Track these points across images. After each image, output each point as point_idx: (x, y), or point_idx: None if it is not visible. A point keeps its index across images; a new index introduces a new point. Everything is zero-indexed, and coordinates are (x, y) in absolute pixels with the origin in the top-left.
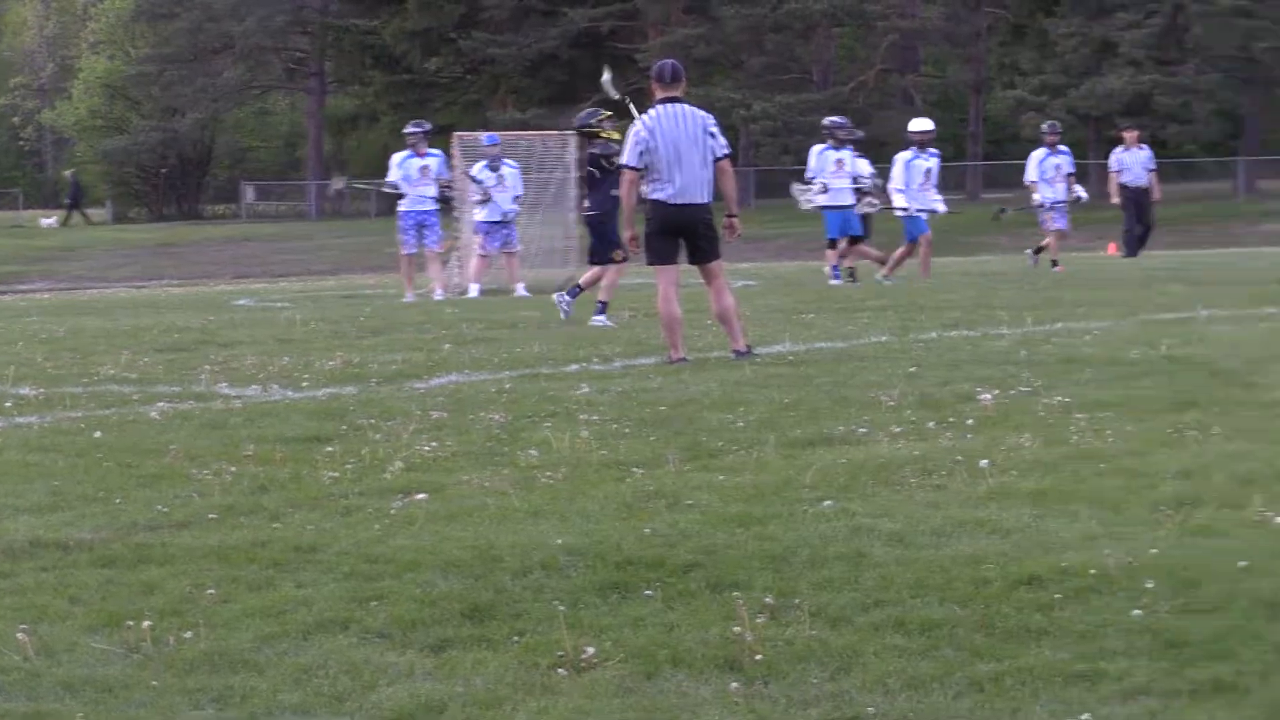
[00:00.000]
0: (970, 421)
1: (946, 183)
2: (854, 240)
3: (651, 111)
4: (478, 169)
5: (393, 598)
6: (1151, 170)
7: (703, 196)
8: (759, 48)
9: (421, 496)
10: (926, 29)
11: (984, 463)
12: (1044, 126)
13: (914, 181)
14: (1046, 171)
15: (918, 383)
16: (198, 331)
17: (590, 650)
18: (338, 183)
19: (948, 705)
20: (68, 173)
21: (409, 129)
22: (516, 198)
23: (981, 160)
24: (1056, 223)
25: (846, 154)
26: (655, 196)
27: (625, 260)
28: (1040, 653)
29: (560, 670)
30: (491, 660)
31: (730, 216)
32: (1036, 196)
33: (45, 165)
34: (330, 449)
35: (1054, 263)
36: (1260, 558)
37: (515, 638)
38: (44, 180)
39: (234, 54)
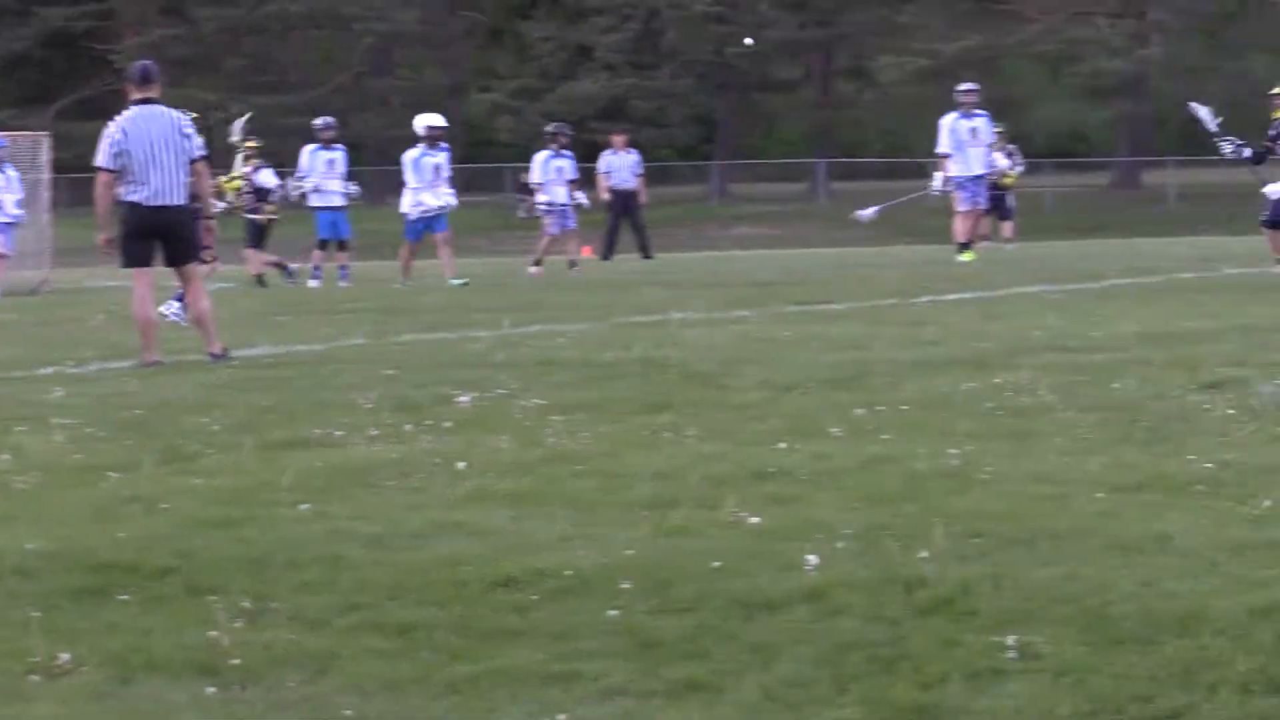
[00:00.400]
0: (448, 424)
1: None
2: (342, 245)
3: (126, 113)
4: None
5: None
6: (639, 174)
7: (178, 198)
8: (237, 49)
9: None
10: (403, 32)
11: (461, 465)
12: (548, 128)
13: (425, 177)
14: (549, 173)
15: (395, 385)
16: None
17: (65, 656)
18: None
19: (425, 707)
20: None
21: None
22: (19, 200)
23: (461, 163)
24: (559, 225)
25: (338, 154)
26: (131, 199)
27: (216, 260)
28: (517, 654)
29: (34, 677)
30: None
31: (207, 218)
32: (543, 198)
33: None
34: None
35: (572, 264)
36: (733, 558)
37: None
38: None
39: None
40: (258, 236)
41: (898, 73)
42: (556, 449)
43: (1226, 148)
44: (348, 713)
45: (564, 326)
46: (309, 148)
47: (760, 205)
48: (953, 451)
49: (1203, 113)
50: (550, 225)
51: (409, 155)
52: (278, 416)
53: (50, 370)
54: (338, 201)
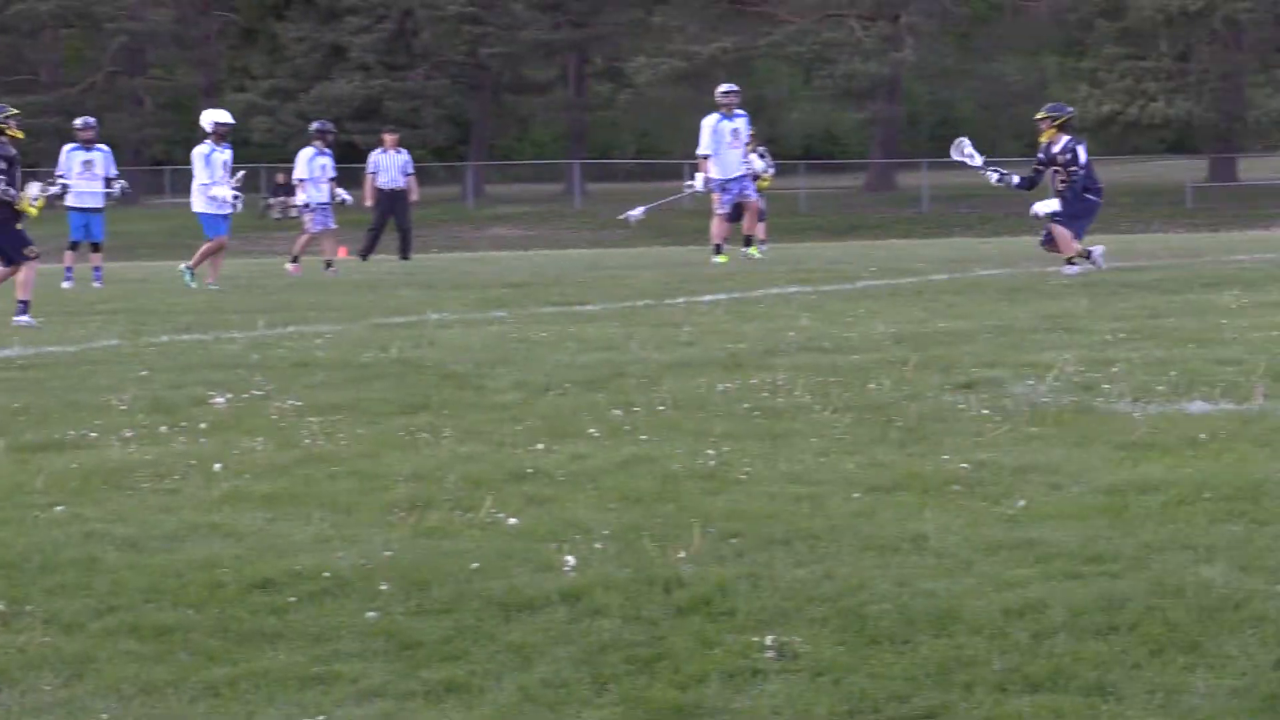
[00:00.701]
0: (203, 425)
1: (178, 186)
2: (95, 246)
3: None
4: None
5: None
6: (409, 174)
7: None
8: None
9: None
10: (156, 31)
11: (217, 466)
12: (313, 126)
13: (215, 174)
14: (313, 171)
15: (150, 386)
16: None
17: None
18: None
19: (183, 709)
20: None
21: None
22: None
23: None
24: (320, 223)
25: (97, 155)
26: None
27: (38, 256)
28: (275, 656)
29: None
30: None
31: None
32: (302, 196)
33: None
34: None
35: (328, 264)
36: (491, 558)
37: None
38: None
39: None
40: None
41: (652, 74)
42: (313, 450)
43: (993, 177)
44: (104, 716)
45: (321, 327)
46: (67, 147)
47: (515, 206)
48: (709, 452)
49: (965, 152)
50: (311, 223)
51: (199, 151)
52: (30, 418)
53: None
54: (92, 203)
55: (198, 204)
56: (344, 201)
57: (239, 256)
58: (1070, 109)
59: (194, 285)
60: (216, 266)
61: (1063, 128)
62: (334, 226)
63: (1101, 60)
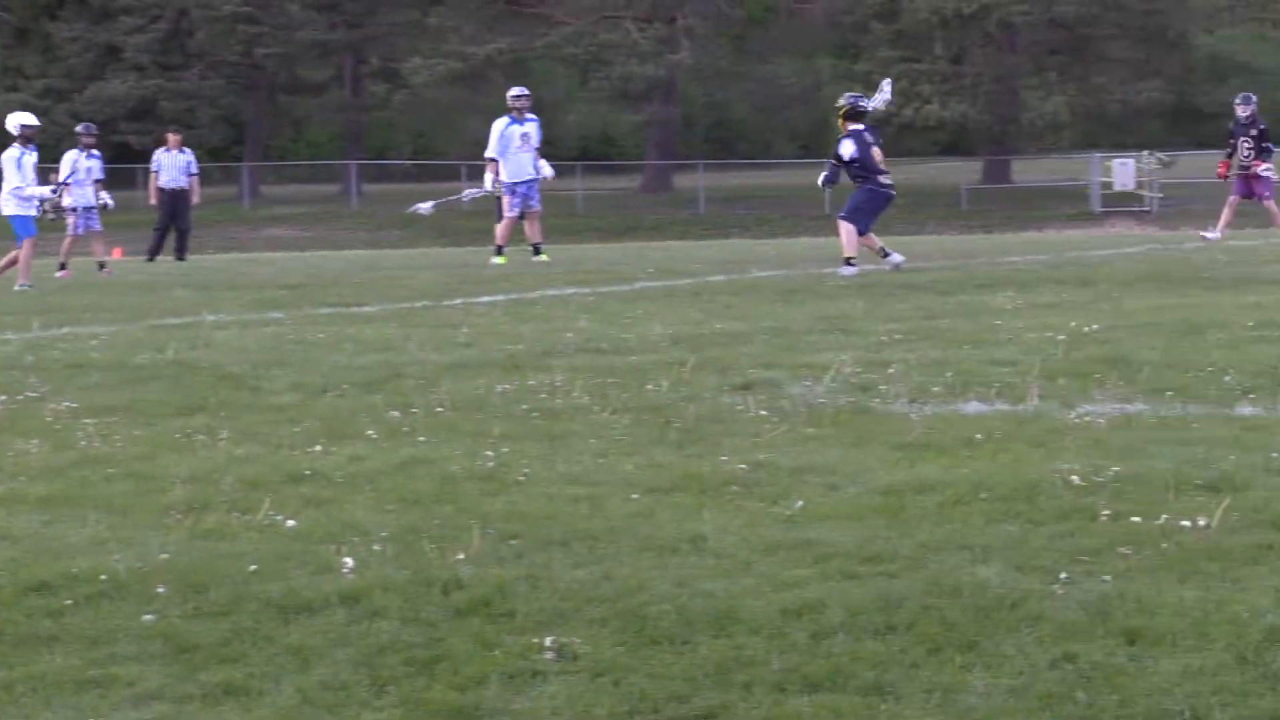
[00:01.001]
0: None
1: None
2: None
3: None
4: None
5: None
6: (193, 175)
7: None
8: None
9: None
10: None
11: None
12: (77, 128)
13: (27, 177)
14: (79, 173)
15: None
16: None
17: None
18: None
19: None
20: None
21: None
22: None
23: None
24: (82, 226)
25: None
26: None
27: None
28: (52, 659)
29: None
30: None
31: None
32: (68, 200)
33: None
34: None
35: (101, 265)
36: (270, 561)
37: None
38: None
39: None
40: None
41: (428, 75)
42: (89, 452)
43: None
44: None
45: (96, 329)
46: None
47: (292, 207)
48: (488, 453)
49: (883, 96)
50: (73, 226)
51: (9, 155)
52: None
53: None
54: None
55: (9, 208)
56: (106, 205)
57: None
58: (852, 97)
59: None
60: (27, 267)
61: (849, 118)
62: (98, 229)
63: (876, 63)
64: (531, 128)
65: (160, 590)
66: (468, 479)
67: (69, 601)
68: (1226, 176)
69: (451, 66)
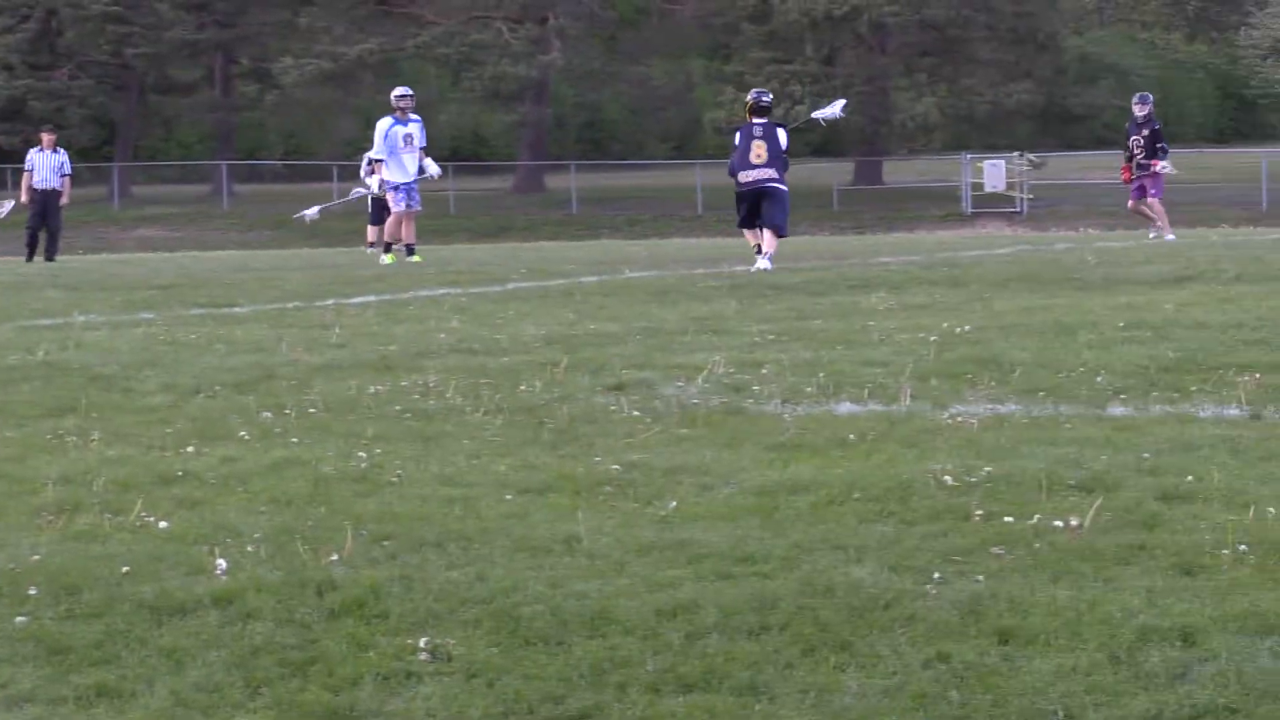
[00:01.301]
0: None
1: None
2: None
3: None
4: None
5: None
6: (65, 175)
7: None
8: None
9: None
10: None
11: None
12: None
13: None
14: None
15: None
16: None
17: None
18: None
19: None
20: None
21: None
22: None
23: None
24: None
25: None
26: None
27: None
28: None
29: None
30: None
31: None
32: None
33: None
34: None
35: None
36: (142, 562)
37: None
38: None
39: None
40: None
41: (299, 75)
42: None
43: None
44: None
45: None
46: None
47: (162, 207)
48: (361, 454)
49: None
50: None
51: None
52: None
53: None
54: None
55: None
56: None
57: None
58: (757, 93)
59: None
60: None
61: (751, 112)
62: None
63: (748, 64)
64: (415, 128)
65: (32, 592)
66: (341, 480)
67: None
68: (1131, 180)
69: (322, 66)
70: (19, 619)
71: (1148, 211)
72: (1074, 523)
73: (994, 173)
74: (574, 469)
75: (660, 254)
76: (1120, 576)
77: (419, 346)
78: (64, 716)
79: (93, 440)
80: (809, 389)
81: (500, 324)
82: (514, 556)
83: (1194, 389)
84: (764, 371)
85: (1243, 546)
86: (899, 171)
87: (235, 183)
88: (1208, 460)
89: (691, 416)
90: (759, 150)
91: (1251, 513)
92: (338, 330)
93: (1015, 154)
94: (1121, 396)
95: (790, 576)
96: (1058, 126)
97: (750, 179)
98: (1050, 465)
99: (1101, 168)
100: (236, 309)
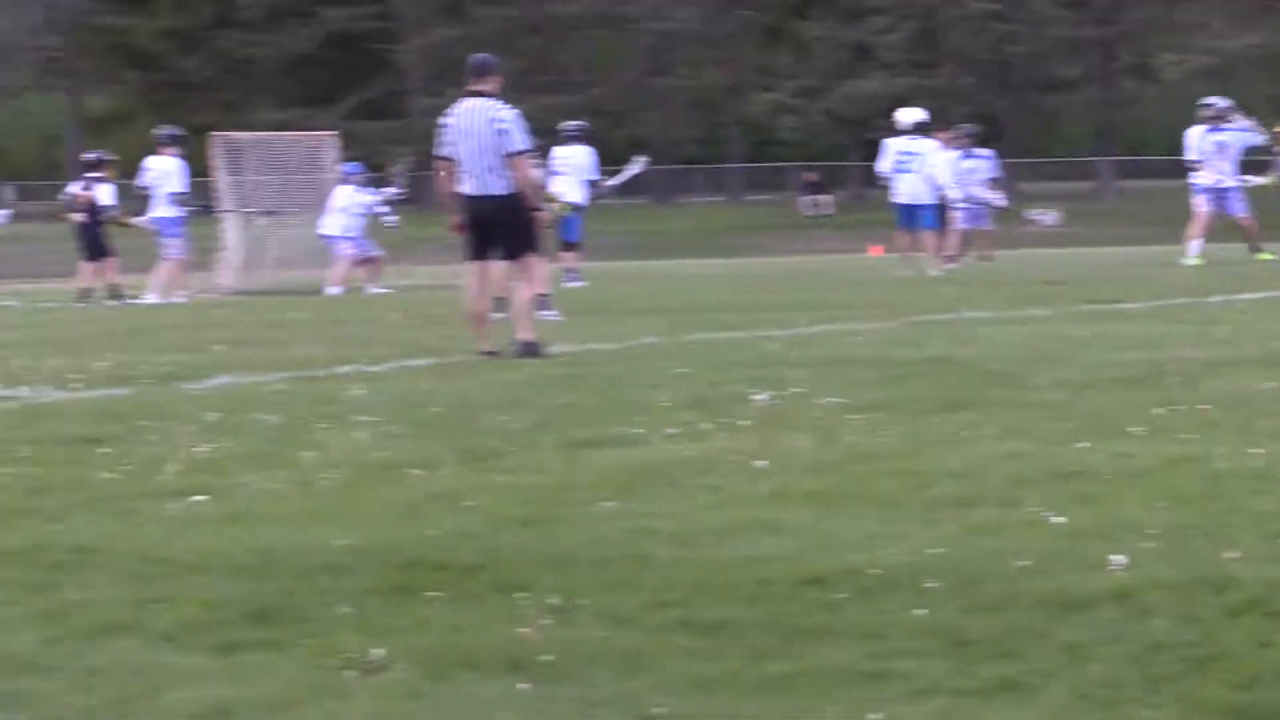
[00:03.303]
0: (744, 422)
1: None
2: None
3: (458, 104)
4: None
5: (176, 600)
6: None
7: (497, 189)
8: (515, 49)
9: (201, 498)
10: (681, 31)
11: (761, 463)
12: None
13: None
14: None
15: (690, 384)
16: None
17: (378, 652)
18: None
19: (737, 705)
20: None
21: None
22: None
23: (743, 163)
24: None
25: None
26: (459, 189)
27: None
28: (828, 652)
29: (349, 673)
30: (279, 663)
31: (534, 211)
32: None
33: None
34: (106, 450)
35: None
36: (1038, 556)
37: (302, 640)
38: None
39: None
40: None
41: (1179, 70)
42: (856, 448)
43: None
44: (661, 710)
45: (855, 325)
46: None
47: (1045, 203)
48: (1256, 450)
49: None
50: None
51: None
52: (576, 414)
53: (348, 369)
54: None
55: None
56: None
57: (762, 255)
58: None
59: None
60: None
61: None
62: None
63: None
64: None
65: (931, 585)
66: (1235, 477)
67: (843, 595)
68: None
69: (1202, 62)
70: (919, 611)
71: None
72: None
73: None
74: None
75: None
76: None
77: None
78: (968, 709)
79: (986, 434)
80: None
81: None
82: None
83: None
84: None
85: None
86: None
87: (1119, 179)
88: None
89: None
90: None
91: None
92: (1223, 327)
93: None
94: None
95: None
96: None
97: None
98: None
99: None
100: (1124, 305)
